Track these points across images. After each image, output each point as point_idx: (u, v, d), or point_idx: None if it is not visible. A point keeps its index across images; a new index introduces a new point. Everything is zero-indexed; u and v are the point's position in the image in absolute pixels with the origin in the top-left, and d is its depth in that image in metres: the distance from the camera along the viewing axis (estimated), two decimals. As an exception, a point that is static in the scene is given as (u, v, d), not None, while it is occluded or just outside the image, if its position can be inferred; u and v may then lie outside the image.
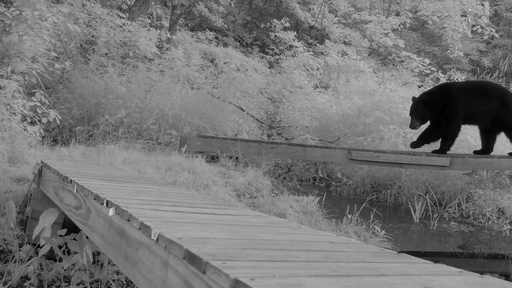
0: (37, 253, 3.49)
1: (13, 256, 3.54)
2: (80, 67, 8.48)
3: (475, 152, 7.52)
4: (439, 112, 7.17)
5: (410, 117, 7.27)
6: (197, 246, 1.47)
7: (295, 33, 14.08)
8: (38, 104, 6.06)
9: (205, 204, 2.77)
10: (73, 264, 3.35)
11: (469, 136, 8.19)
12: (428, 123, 7.36)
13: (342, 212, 5.91)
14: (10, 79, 5.86)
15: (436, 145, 7.44)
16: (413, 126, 7.27)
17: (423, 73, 11.51)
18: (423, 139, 7.38)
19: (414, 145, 7.38)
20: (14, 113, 5.73)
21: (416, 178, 7.70)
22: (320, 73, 12.42)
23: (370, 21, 11.49)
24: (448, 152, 7.36)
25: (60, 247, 3.35)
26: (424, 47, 20.13)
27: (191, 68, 9.60)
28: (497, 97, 7.29)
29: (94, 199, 2.47)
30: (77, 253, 3.15)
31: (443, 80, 11.07)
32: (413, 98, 7.39)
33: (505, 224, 6.58)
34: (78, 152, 6.04)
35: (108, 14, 8.84)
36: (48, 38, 6.55)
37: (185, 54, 10.21)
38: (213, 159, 7.11)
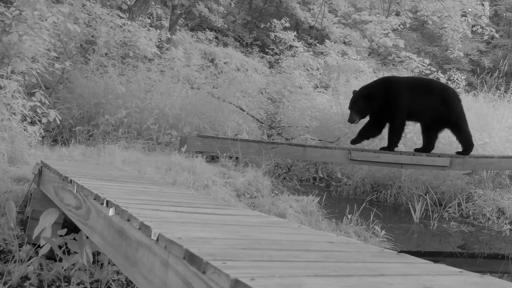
0: (37, 253, 3.49)
1: (13, 256, 3.54)
2: (80, 67, 8.48)
3: (416, 150, 7.44)
4: (379, 106, 7.08)
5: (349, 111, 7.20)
6: (197, 246, 1.47)
7: (295, 33, 14.08)
8: (38, 104, 6.06)
9: (205, 204, 2.77)
10: (73, 264, 3.35)
11: (469, 136, 8.18)
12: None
13: (342, 212, 5.91)
14: (10, 79, 5.86)
15: (376, 141, 7.41)
16: (351, 120, 7.19)
17: (423, 73, 11.52)
18: (362, 135, 7.34)
19: (354, 141, 7.32)
20: (14, 113, 5.73)
21: (416, 178, 7.70)
22: (320, 73, 12.42)
23: (370, 21, 11.50)
24: (396, 148, 7.30)
25: (60, 247, 3.35)
26: (424, 47, 20.14)
27: (191, 68, 9.60)
28: (438, 94, 7.24)
29: (94, 199, 2.47)
30: (77, 253, 3.15)
31: (443, 80, 11.07)
32: (354, 92, 7.32)
33: (505, 224, 6.58)
34: (78, 152, 6.04)
35: (108, 14, 8.84)
36: (48, 38, 6.54)
37: (185, 54, 10.21)
38: (213, 159, 7.10)
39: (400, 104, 7.10)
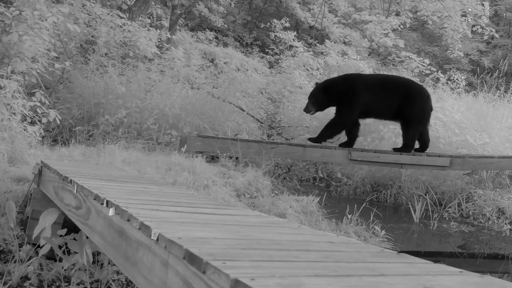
0: (37, 253, 3.49)
1: (13, 256, 3.54)
2: (80, 67, 8.48)
3: (416, 150, 7.34)
4: (337, 102, 7.04)
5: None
6: (197, 246, 1.47)
7: (295, 33, 14.07)
8: (38, 104, 6.06)
9: (205, 204, 2.77)
10: (73, 264, 3.35)
11: (469, 136, 8.19)
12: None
13: (342, 212, 5.91)
14: (10, 79, 5.86)
15: (344, 137, 7.40)
16: (307, 110, 7.17)
17: (423, 73, 11.52)
18: (333, 134, 7.27)
19: (317, 140, 7.24)
20: (14, 113, 5.73)
21: (416, 178, 7.69)
22: (320, 73, 12.41)
23: (370, 21, 11.50)
24: (327, 141, 7.17)
25: (60, 247, 3.35)
26: (424, 47, 20.15)
27: (191, 68, 9.60)
28: (401, 91, 7.17)
29: (94, 199, 2.47)
30: (77, 253, 3.15)
31: (443, 80, 11.07)
32: (316, 83, 7.33)
33: (505, 224, 6.58)
34: (78, 152, 6.04)
35: (108, 14, 8.84)
36: (48, 38, 6.54)
37: (185, 54, 10.22)
38: (213, 159, 7.10)
39: (353, 104, 7.00)
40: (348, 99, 7.01)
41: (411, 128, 7.19)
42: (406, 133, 7.26)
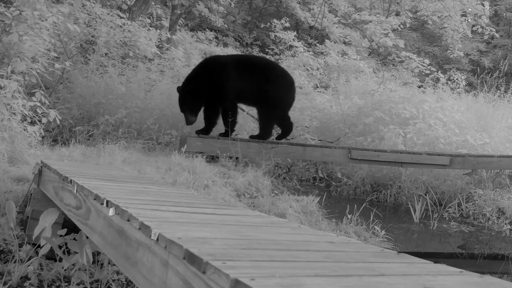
0: (37, 253, 3.49)
1: (13, 256, 3.53)
2: (80, 67, 8.48)
3: (251, 136, 7.24)
4: (207, 94, 6.79)
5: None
6: (197, 246, 1.47)
7: (295, 33, 14.08)
8: (38, 104, 6.06)
9: (205, 204, 2.77)
10: (73, 264, 3.35)
11: (469, 136, 8.19)
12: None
13: (342, 212, 5.90)
14: (10, 79, 5.85)
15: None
16: (190, 122, 6.96)
17: (423, 73, 11.51)
18: (212, 125, 7.11)
19: (200, 132, 7.08)
20: (14, 113, 5.73)
21: (416, 178, 7.69)
22: (320, 73, 12.41)
23: (370, 21, 11.49)
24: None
25: (60, 247, 3.34)
26: (424, 47, 20.16)
27: (191, 68, 9.59)
28: (262, 72, 6.94)
29: (94, 199, 2.47)
30: (77, 253, 3.15)
31: (443, 80, 11.06)
32: (178, 89, 7.00)
33: (505, 224, 6.59)
34: (78, 152, 6.03)
35: (108, 14, 8.84)
36: (48, 38, 6.54)
37: (185, 54, 10.22)
38: (213, 159, 7.10)
39: (224, 87, 6.81)
40: (217, 84, 6.79)
41: (267, 113, 7.01)
42: (262, 120, 7.09)
